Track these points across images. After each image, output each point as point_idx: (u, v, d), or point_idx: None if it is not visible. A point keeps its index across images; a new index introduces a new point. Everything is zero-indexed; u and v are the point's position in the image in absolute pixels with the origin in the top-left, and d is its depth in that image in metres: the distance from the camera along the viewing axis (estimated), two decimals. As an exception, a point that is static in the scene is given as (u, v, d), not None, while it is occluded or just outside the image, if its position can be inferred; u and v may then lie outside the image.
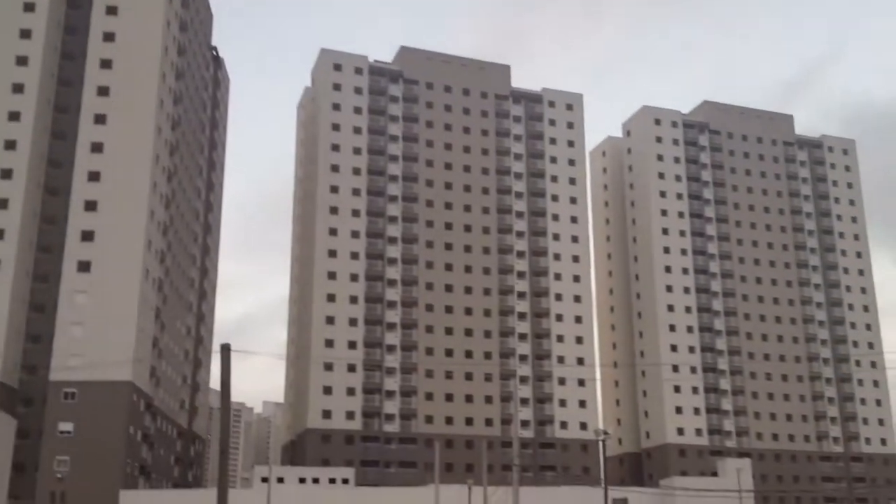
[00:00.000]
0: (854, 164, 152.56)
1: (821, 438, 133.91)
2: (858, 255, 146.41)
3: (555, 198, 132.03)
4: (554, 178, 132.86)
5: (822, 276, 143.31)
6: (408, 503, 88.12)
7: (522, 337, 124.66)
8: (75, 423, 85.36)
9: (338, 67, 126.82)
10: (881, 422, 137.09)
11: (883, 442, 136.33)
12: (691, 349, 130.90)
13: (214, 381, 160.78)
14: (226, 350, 17.42)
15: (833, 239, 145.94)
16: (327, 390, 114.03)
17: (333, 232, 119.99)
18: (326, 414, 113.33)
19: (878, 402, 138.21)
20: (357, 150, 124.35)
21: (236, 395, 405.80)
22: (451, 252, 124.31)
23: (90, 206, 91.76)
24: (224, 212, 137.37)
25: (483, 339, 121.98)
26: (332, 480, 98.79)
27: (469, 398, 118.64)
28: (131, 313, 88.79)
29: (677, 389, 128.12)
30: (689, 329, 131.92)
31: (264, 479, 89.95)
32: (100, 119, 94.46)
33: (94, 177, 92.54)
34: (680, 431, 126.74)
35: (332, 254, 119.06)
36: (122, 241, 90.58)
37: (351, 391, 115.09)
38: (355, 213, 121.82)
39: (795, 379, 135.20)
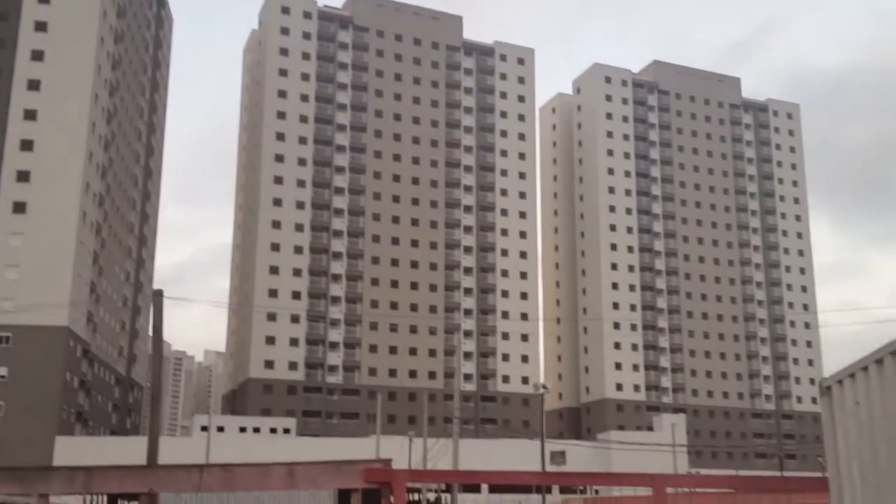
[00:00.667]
0: (798, 129, 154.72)
1: (754, 396, 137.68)
2: (798, 218, 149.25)
3: (503, 153, 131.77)
4: (503, 133, 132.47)
5: (762, 238, 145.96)
6: (349, 454, 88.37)
7: (468, 291, 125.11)
8: (9, 367, 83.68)
9: (286, 11, 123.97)
10: (812, 381, 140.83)
11: (814, 400, 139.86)
12: (633, 307, 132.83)
13: (153, 329, 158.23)
14: (158, 296, 16.83)
15: (774, 202, 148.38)
16: (270, 340, 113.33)
17: (279, 180, 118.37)
18: (269, 364, 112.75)
19: (811, 362, 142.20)
20: (304, 98, 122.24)
21: (177, 344, 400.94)
22: (398, 205, 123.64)
23: (26, 145, 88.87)
24: (166, 157, 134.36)
25: (428, 292, 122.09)
26: (274, 430, 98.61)
27: (413, 351, 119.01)
28: (68, 257, 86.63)
29: (617, 346, 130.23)
30: (632, 287, 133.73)
31: (204, 428, 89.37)
32: (36, 56, 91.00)
33: (30, 115, 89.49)
34: (619, 387, 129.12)
35: (278, 202, 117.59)
36: (59, 183, 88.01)
37: (294, 342, 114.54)
38: (301, 161, 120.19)
39: (732, 338, 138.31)
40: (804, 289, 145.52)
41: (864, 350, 6.00)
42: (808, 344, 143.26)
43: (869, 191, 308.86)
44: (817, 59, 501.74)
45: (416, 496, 35.68)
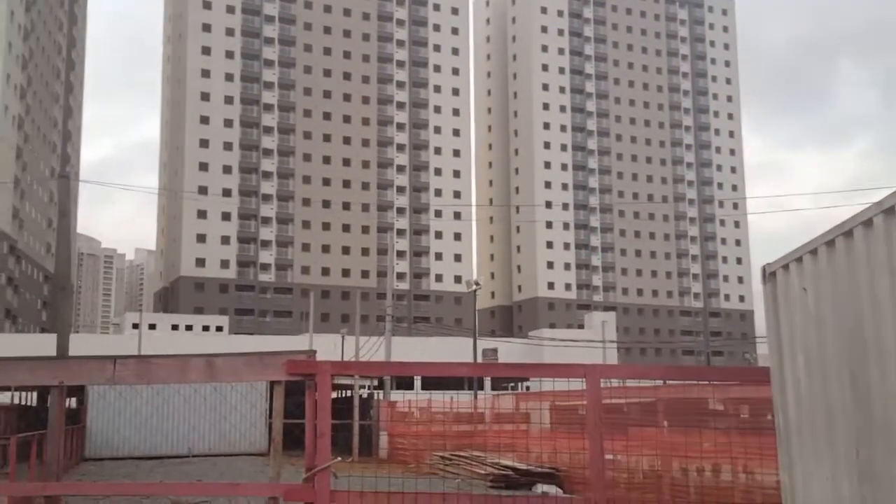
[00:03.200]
0: (732, 26, 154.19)
1: (683, 294, 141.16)
2: (730, 116, 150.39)
3: (437, 48, 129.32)
4: (436, 28, 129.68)
5: (694, 136, 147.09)
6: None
7: (400, 190, 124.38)
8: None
9: None
10: (741, 279, 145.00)
11: (741, 299, 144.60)
12: (565, 206, 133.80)
13: (82, 227, 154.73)
14: (64, 179, 15.87)
15: (707, 100, 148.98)
16: (201, 238, 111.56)
17: (206, 73, 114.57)
18: (200, 262, 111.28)
19: (739, 261, 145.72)
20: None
21: (107, 242, 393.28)
22: (329, 101, 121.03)
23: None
24: (88, 51, 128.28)
25: (361, 191, 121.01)
26: (206, 328, 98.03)
27: (346, 250, 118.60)
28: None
29: (549, 245, 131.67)
30: (564, 186, 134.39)
31: (135, 326, 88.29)
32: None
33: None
34: (550, 286, 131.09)
35: (205, 97, 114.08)
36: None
37: (225, 240, 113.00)
38: (229, 54, 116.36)
39: (662, 237, 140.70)
40: (734, 187, 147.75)
41: (790, 248, 5.68)
42: (738, 243, 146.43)
43: (785, 92, 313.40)
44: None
45: (347, 393, 35.79)
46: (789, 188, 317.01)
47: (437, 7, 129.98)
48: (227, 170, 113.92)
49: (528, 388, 58.73)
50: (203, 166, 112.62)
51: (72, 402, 34.31)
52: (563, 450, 19.67)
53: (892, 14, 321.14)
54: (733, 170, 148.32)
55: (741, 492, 13.33)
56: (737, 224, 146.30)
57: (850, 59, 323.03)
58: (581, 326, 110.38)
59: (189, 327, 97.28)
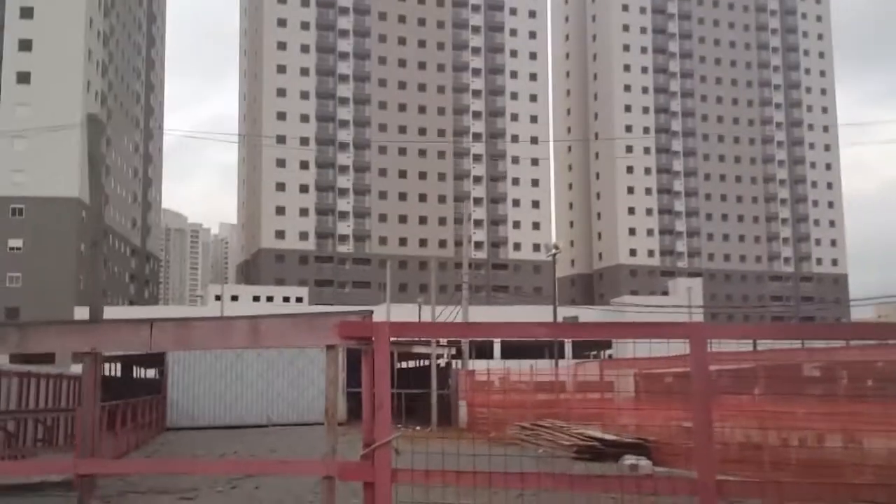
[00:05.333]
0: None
1: (772, 259, 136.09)
2: (822, 74, 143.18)
3: (513, 11, 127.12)
4: (513, 11, 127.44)
5: (784, 94, 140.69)
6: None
7: (477, 158, 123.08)
8: (24, 239, 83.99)
9: None
10: (833, 242, 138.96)
11: (834, 262, 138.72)
12: (647, 171, 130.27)
13: (167, 201, 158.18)
14: (94, 121, 15.22)
15: (798, 57, 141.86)
16: (280, 211, 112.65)
17: (282, 46, 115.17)
18: (280, 234, 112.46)
19: (832, 223, 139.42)
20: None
21: (193, 217, 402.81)
22: (404, 69, 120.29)
23: (26, 13, 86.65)
24: (169, 25, 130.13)
25: (437, 160, 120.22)
26: (287, 299, 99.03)
27: (423, 220, 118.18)
28: (74, 127, 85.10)
29: (631, 211, 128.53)
30: (647, 150, 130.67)
31: (218, 297, 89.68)
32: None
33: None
34: (632, 253, 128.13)
35: (281, 69, 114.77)
36: (61, 51, 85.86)
37: (304, 212, 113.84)
38: (304, 25, 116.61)
39: (750, 200, 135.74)
40: (826, 147, 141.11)
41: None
42: (830, 205, 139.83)
43: (869, 47, 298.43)
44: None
45: (425, 363, 35.12)
46: (876, 149, 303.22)
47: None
48: (304, 141, 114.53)
49: (610, 356, 57.30)
50: (280, 139, 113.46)
51: (149, 373, 34.54)
52: (651, 420, 18.58)
53: None
54: (825, 129, 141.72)
55: (851, 465, 12.04)
56: (829, 185, 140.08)
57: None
58: (665, 293, 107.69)
59: (270, 298, 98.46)
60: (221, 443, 23.22)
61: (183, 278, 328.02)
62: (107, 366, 38.92)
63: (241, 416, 31.31)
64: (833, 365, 13.99)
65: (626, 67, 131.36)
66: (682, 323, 5.96)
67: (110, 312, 73.78)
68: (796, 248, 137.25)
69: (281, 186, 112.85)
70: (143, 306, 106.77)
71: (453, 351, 36.70)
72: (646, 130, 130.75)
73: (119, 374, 40.89)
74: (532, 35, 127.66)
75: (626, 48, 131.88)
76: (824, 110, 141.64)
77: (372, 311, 7.38)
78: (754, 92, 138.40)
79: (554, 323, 6.30)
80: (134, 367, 45.55)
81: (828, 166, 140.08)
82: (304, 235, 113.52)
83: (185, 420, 30.74)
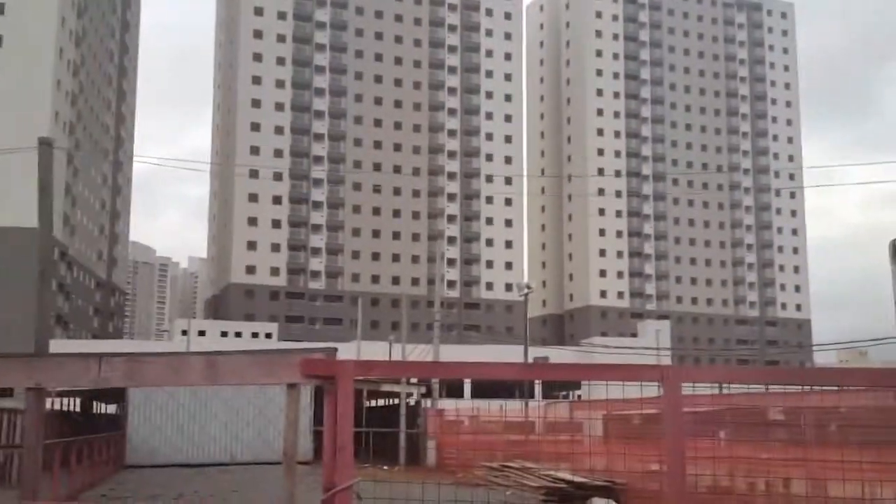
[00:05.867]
0: (791, 29, 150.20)
1: (738, 303, 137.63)
2: (789, 122, 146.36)
3: (489, 53, 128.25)
4: (489, 33, 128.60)
5: (752, 142, 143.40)
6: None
7: (451, 197, 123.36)
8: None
9: None
10: (797, 288, 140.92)
11: (798, 307, 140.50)
12: (618, 213, 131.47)
13: (136, 234, 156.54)
14: (45, 147, 14.87)
15: (765, 105, 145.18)
16: (251, 245, 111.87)
17: (257, 80, 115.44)
18: (250, 269, 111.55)
19: (797, 269, 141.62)
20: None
21: (162, 251, 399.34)
22: (380, 107, 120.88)
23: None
24: (142, 59, 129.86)
25: (411, 198, 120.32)
26: (255, 335, 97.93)
27: (396, 257, 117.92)
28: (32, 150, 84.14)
29: (602, 253, 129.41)
30: (618, 194, 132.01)
31: (185, 332, 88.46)
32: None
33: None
34: (603, 294, 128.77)
35: (256, 104, 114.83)
36: (28, 79, 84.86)
37: (276, 247, 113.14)
38: (280, 61, 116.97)
39: (718, 245, 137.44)
40: (792, 195, 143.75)
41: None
42: (795, 251, 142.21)
43: (833, 98, 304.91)
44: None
45: (394, 401, 34.68)
46: (839, 196, 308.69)
47: (489, 12, 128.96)
48: (277, 177, 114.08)
49: (579, 396, 57.05)
50: (254, 173, 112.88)
51: (110, 408, 33.75)
52: (620, 462, 18.36)
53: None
54: (791, 177, 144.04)
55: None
56: (794, 231, 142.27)
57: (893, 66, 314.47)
58: (634, 335, 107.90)
59: (238, 334, 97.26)
60: (181, 482, 22.60)
61: (150, 313, 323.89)
62: (65, 400, 37.99)
63: (204, 454, 30.53)
64: (798, 410, 13.93)
65: (599, 112, 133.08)
66: (656, 366, 5.78)
67: (72, 346, 72.13)
68: (762, 292, 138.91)
69: (253, 221, 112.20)
70: (106, 340, 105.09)
71: (423, 390, 36.29)
72: (617, 174, 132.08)
73: (78, 408, 39.85)
74: (507, 77, 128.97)
75: (600, 92, 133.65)
76: (790, 158, 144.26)
77: (336, 349, 7.11)
78: (723, 139, 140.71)
79: (525, 363, 6.11)
80: (94, 402, 44.48)
81: (793, 213, 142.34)
82: (275, 271, 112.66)
83: (144, 457, 29.93)
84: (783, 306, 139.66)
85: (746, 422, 14.96)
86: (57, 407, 35.56)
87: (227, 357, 6.22)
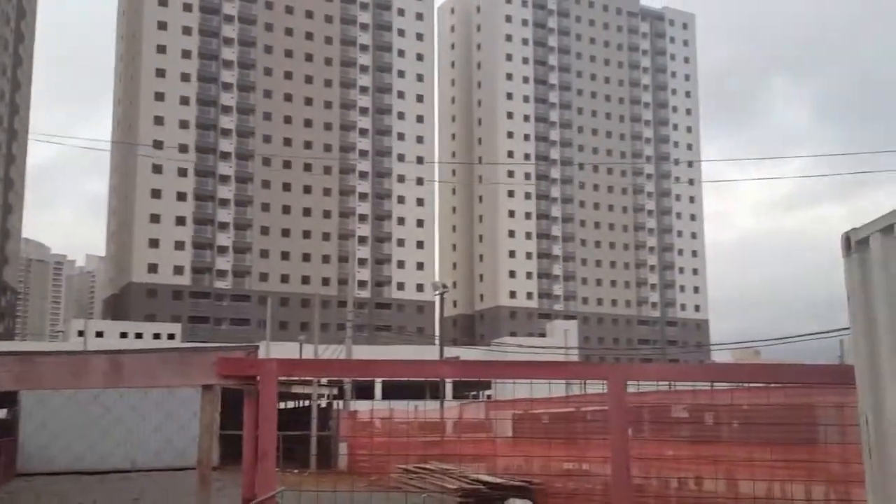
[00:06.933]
0: (692, 39, 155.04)
1: (641, 304, 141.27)
2: (689, 129, 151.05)
3: (401, 53, 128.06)
4: (401, 33, 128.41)
5: (654, 149, 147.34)
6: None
7: (363, 196, 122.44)
8: None
9: None
10: (696, 289, 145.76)
11: (697, 308, 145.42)
12: (528, 215, 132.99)
13: (28, 230, 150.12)
14: None
15: (667, 113, 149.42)
16: (153, 243, 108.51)
17: (161, 73, 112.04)
18: (152, 268, 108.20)
19: (695, 272, 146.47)
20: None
21: (57, 248, 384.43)
22: (290, 104, 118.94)
23: None
24: (38, 51, 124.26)
25: (322, 196, 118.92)
26: (157, 336, 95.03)
27: (306, 257, 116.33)
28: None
29: (512, 254, 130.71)
30: (528, 195, 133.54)
31: (81, 333, 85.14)
32: None
33: None
34: (512, 295, 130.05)
35: (159, 96, 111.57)
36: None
37: (180, 245, 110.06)
38: (185, 54, 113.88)
39: (622, 247, 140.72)
40: (691, 199, 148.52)
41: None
42: (694, 254, 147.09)
43: (725, 109, 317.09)
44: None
45: (305, 403, 33.95)
46: (731, 203, 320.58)
47: (401, 12, 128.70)
48: (182, 172, 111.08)
49: (489, 396, 57.15)
50: (157, 168, 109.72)
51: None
52: (534, 462, 18.28)
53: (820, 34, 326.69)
54: (691, 182, 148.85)
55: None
56: (693, 235, 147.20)
57: (784, 77, 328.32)
58: (542, 335, 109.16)
59: (139, 335, 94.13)
60: (78, 491, 21.48)
61: (44, 312, 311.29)
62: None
63: (104, 460, 29.15)
64: (706, 407, 14.04)
65: (509, 115, 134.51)
66: (601, 364, 5.56)
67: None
68: (663, 293, 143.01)
69: (155, 218, 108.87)
70: (8, 341, 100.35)
71: (335, 391, 35.65)
72: (527, 176, 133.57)
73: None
74: (419, 78, 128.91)
75: (509, 96, 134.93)
76: (690, 164, 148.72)
77: (257, 347, 6.63)
78: (627, 144, 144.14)
79: (461, 363, 5.81)
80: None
81: (692, 217, 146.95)
82: (179, 270, 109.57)
83: (39, 464, 28.41)
84: (683, 307, 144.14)
85: (653, 419, 15.03)
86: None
87: (134, 356, 5.68)
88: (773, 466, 11.46)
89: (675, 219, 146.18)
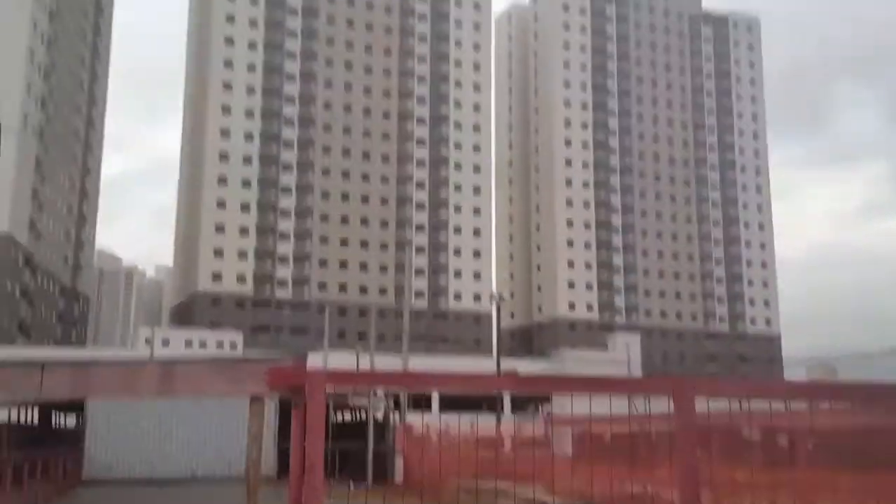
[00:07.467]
0: (757, 43, 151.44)
1: (708, 317, 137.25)
2: (755, 135, 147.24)
3: (458, 63, 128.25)
4: (458, 43, 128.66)
5: (719, 155, 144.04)
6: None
7: (419, 206, 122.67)
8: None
9: None
10: (766, 303, 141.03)
11: (767, 322, 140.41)
12: (587, 225, 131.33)
13: (101, 239, 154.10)
14: None
15: (731, 118, 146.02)
16: (218, 253, 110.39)
17: (228, 87, 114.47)
18: (217, 277, 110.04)
19: (765, 284, 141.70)
20: (254, 1, 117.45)
21: (129, 258, 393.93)
22: (349, 115, 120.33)
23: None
24: (113, 62, 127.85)
25: (380, 206, 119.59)
26: (220, 344, 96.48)
27: (364, 266, 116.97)
28: (7, 159, 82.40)
29: (571, 265, 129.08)
30: (586, 204, 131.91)
31: (148, 341, 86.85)
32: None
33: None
34: (571, 306, 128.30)
35: (226, 110, 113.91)
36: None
37: (243, 255, 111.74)
38: (250, 67, 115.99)
39: (686, 258, 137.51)
40: (759, 208, 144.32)
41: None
42: (763, 265, 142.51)
43: (792, 114, 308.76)
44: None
45: (362, 415, 33.85)
46: (802, 211, 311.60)
47: (458, 23, 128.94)
48: (245, 184, 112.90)
49: (549, 412, 56.48)
50: (222, 180, 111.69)
51: (70, 420, 32.59)
52: (597, 482, 17.76)
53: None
54: (758, 189, 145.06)
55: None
56: (762, 246, 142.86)
57: (853, 80, 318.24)
58: (603, 348, 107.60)
59: (203, 343, 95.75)
60: (139, 499, 21.68)
61: (114, 320, 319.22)
62: (22, 412, 36.70)
63: (165, 469, 29.46)
64: (780, 429, 13.41)
65: (567, 122, 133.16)
66: (666, 378, 5.23)
67: (36, 354, 70.36)
68: (731, 307, 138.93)
69: (220, 228, 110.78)
70: (67, 348, 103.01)
71: (391, 403, 35.51)
72: (585, 185, 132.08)
73: (36, 421, 38.56)
74: (476, 87, 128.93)
75: (567, 103, 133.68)
76: (757, 171, 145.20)
77: (306, 356, 6.45)
78: (690, 151, 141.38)
79: (516, 376, 5.55)
80: (53, 414, 43.12)
81: (760, 226, 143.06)
82: (241, 279, 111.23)
83: (103, 472, 28.84)
84: (752, 321, 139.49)
85: (724, 441, 14.40)
86: (14, 419, 34.31)
87: (185, 366, 5.60)
88: (859, 494, 10.88)
89: (742, 228, 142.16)
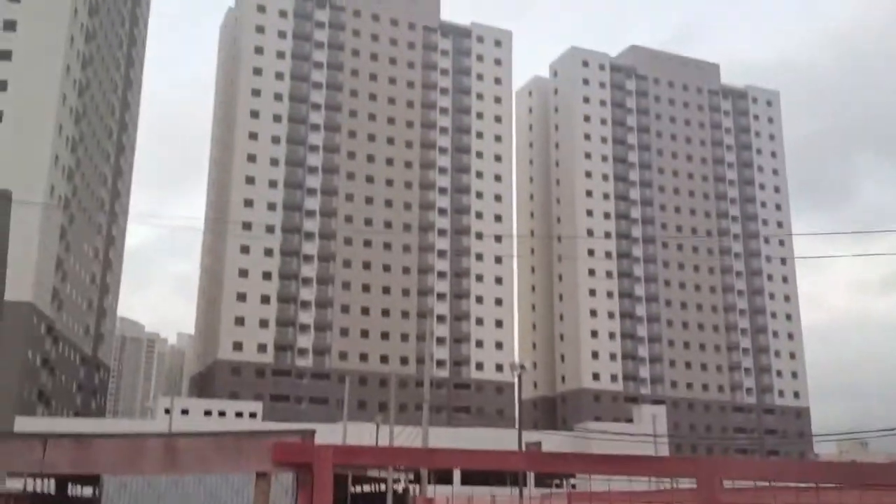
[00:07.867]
0: (777, 116, 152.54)
1: (734, 389, 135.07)
2: (778, 207, 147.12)
3: (479, 135, 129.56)
4: (479, 115, 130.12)
5: (742, 227, 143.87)
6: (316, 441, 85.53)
7: (441, 275, 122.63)
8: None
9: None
10: (794, 374, 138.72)
11: (796, 395, 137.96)
12: (609, 294, 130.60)
13: (123, 308, 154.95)
14: (5, 199, 14.08)
15: (753, 190, 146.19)
16: (239, 321, 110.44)
17: (252, 158, 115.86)
18: (237, 346, 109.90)
19: (792, 356, 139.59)
20: (279, 76, 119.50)
21: (150, 326, 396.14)
22: (372, 185, 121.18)
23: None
24: (140, 135, 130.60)
25: (402, 275, 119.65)
26: (240, 414, 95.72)
27: (385, 335, 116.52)
28: (33, 230, 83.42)
29: (594, 335, 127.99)
30: (609, 274, 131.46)
31: (168, 411, 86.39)
32: (9, 26, 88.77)
33: (0, 86, 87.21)
34: (595, 377, 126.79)
35: (250, 180, 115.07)
36: (26, 156, 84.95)
37: (264, 323, 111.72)
38: (275, 139, 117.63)
39: (711, 328, 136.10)
40: (784, 279, 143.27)
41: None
42: (790, 336, 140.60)
43: (812, 186, 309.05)
44: (798, 45, 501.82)
45: (381, 487, 33.24)
46: (825, 282, 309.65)
47: (480, 96, 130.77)
48: (268, 252, 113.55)
49: (573, 486, 55.39)
50: (244, 249, 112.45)
51: (87, 490, 32.16)
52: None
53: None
54: (783, 261, 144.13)
55: None
56: (788, 317, 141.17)
57: (874, 152, 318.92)
58: (629, 420, 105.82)
59: (222, 413, 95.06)
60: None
61: (136, 388, 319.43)
62: (38, 482, 36.37)
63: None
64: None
65: (588, 193, 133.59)
66: (689, 458, 4.95)
67: (55, 424, 70.22)
68: (758, 378, 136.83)
69: (242, 296, 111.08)
70: (88, 418, 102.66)
71: (411, 476, 34.88)
72: (608, 255, 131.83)
73: (53, 491, 38.14)
74: (497, 158, 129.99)
75: (588, 174, 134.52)
76: (781, 243, 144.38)
77: (314, 432, 6.23)
78: (713, 222, 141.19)
79: (535, 453, 5.30)
80: (69, 484, 42.67)
81: (786, 298, 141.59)
82: (262, 347, 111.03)
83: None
84: (780, 393, 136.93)
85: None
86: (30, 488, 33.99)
87: (189, 441, 5.37)
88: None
89: (767, 299, 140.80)
